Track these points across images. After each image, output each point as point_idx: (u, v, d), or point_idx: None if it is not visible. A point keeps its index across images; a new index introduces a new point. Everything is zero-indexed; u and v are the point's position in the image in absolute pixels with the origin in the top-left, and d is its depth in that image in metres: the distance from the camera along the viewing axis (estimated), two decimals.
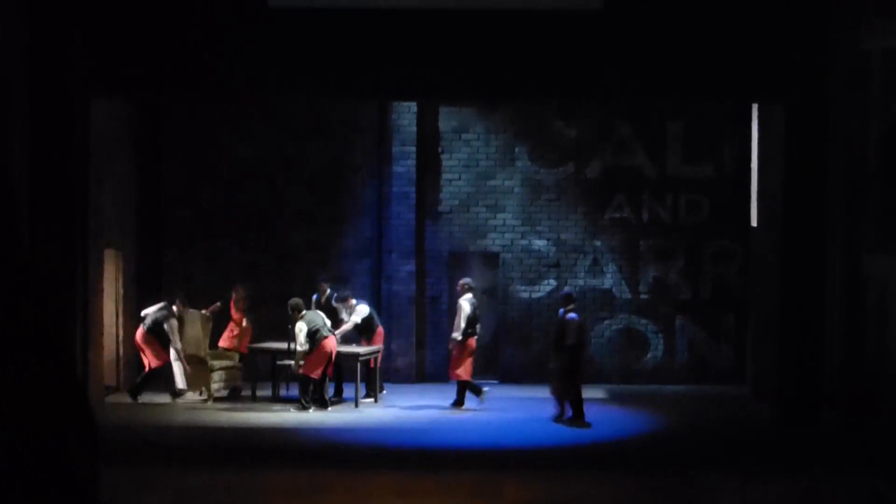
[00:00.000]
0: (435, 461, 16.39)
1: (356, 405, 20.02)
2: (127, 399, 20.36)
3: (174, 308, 20.39)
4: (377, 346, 20.74)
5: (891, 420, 15.75)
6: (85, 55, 18.01)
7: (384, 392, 20.85)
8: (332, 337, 19.67)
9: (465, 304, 19.95)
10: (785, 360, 18.65)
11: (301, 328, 19.45)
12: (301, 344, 19.43)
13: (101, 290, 19.73)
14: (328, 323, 19.79)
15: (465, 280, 20.44)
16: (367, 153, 22.68)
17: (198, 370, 20.42)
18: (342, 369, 20.50)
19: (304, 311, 19.64)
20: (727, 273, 22.70)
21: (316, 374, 19.56)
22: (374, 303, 21.45)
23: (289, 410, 19.59)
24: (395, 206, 22.52)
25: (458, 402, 20.07)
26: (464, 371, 19.90)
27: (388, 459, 16.45)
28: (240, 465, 15.80)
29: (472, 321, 19.92)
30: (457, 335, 19.85)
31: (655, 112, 22.57)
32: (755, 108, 21.16)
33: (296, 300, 19.77)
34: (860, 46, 16.95)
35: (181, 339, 20.31)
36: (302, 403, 19.59)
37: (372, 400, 20.48)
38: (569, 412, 18.98)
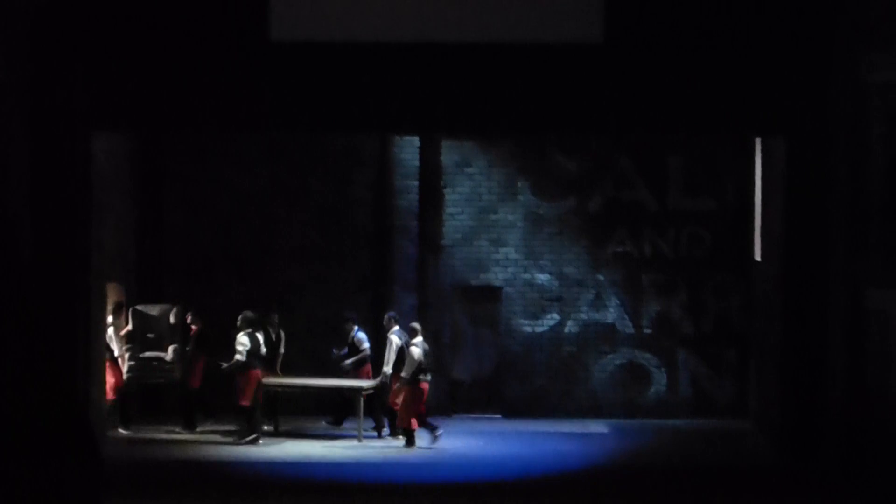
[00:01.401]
0: (438, 495, 16.32)
1: (359, 439, 19.97)
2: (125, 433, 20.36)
3: (110, 319, 20.36)
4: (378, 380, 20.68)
5: (893, 455, 15.68)
6: (86, 89, 18.04)
7: (385, 428, 20.74)
8: (259, 369, 19.75)
9: (395, 337, 20.04)
10: (787, 394, 18.61)
11: (244, 342, 19.53)
12: (240, 353, 19.48)
13: (104, 325, 19.72)
14: (263, 352, 19.77)
15: (392, 314, 20.60)
16: (369, 187, 22.66)
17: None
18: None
19: (251, 329, 19.70)
20: (729, 307, 22.64)
21: (248, 401, 19.56)
22: (376, 337, 21.37)
23: (283, 443, 19.52)
24: (397, 240, 22.48)
25: (393, 433, 20.26)
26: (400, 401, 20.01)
27: (391, 494, 16.37)
28: (240, 500, 15.71)
29: (402, 354, 19.95)
30: (387, 369, 19.92)
31: (656, 145, 22.56)
32: (758, 141, 21.16)
33: (250, 314, 19.83)
34: (861, 80, 16.97)
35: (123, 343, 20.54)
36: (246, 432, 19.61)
37: (375, 434, 20.43)
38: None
